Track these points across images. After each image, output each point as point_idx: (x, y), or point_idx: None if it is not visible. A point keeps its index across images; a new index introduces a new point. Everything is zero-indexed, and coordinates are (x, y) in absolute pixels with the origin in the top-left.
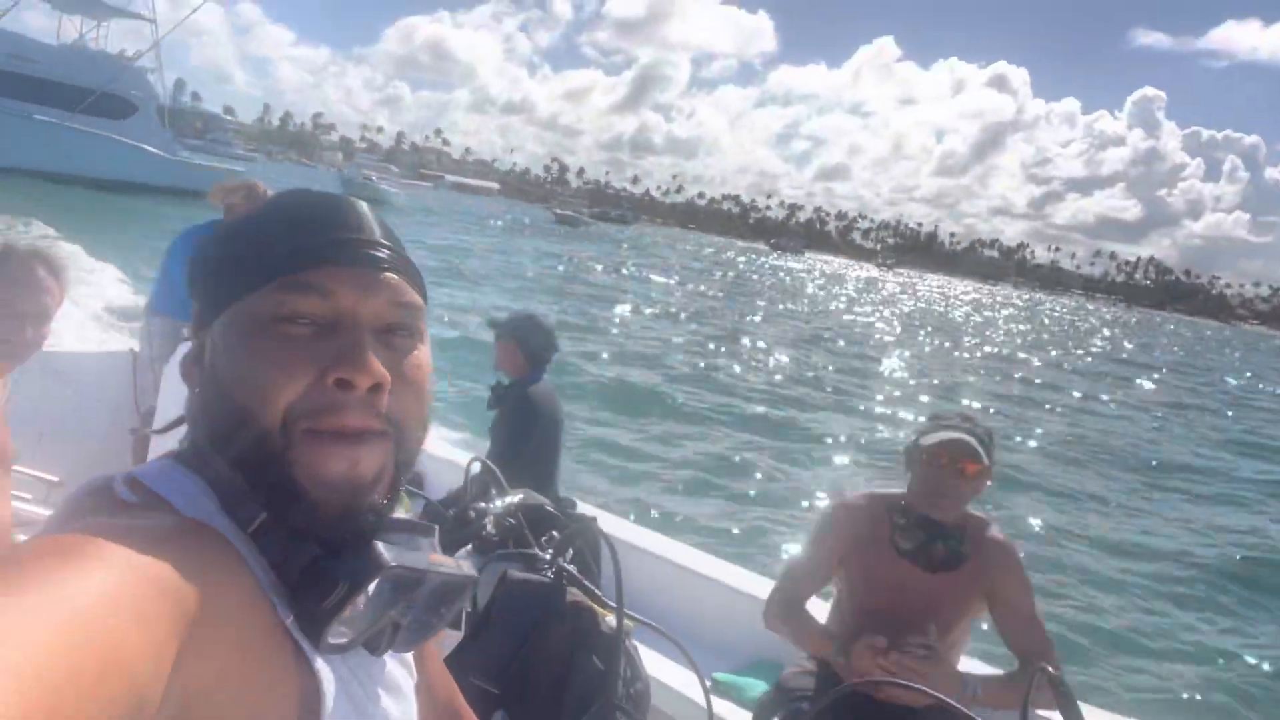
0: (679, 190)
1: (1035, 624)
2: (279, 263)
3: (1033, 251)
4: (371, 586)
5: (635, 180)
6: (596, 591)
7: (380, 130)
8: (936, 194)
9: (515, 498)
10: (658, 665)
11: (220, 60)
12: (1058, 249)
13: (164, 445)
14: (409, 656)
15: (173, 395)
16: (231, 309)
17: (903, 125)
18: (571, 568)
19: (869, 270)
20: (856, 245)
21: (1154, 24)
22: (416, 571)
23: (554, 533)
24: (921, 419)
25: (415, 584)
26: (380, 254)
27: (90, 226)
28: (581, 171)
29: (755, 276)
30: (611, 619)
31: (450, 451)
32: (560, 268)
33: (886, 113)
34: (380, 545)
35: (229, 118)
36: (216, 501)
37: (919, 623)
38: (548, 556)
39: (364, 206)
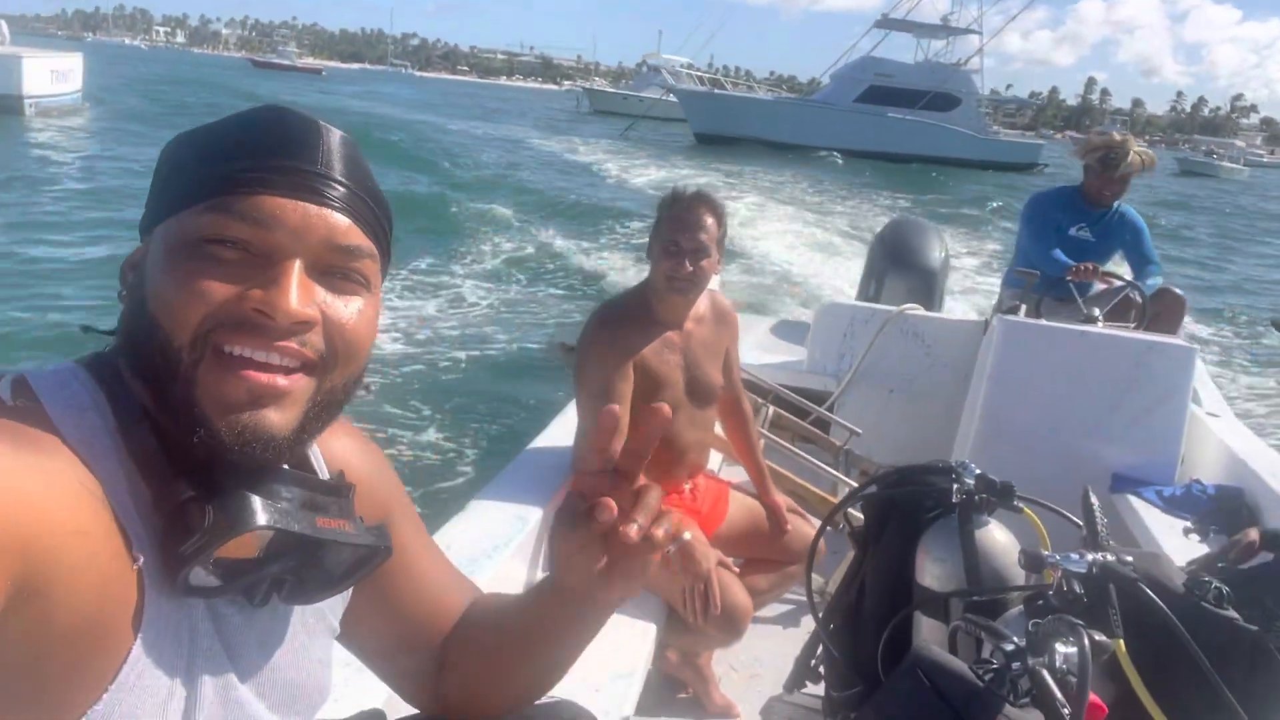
0: None
1: None
2: (216, 182)
3: None
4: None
5: None
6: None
7: None
8: None
9: (1101, 556)
10: None
11: (1150, 53)
12: None
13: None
14: (326, 609)
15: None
16: (167, 221)
17: None
18: (1048, 676)
19: None
20: None
21: None
22: (288, 534)
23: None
24: None
25: (298, 545)
26: (328, 189)
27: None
28: None
29: None
30: None
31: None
32: None
33: None
34: (255, 500)
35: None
36: (112, 418)
37: None
38: (1010, 646)
39: (334, 138)
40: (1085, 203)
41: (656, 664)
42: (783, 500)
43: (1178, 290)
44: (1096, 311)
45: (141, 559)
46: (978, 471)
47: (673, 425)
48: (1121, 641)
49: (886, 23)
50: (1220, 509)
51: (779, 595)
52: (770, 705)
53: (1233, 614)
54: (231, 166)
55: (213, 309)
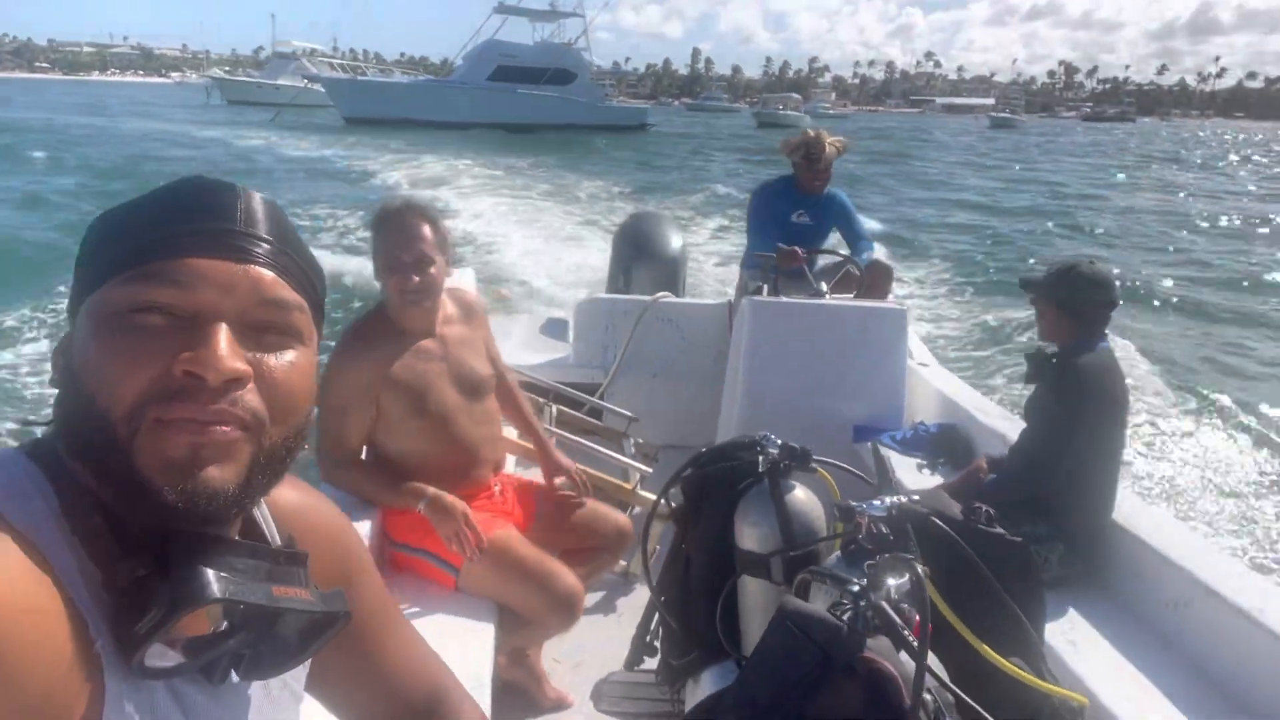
0: (1220, 75)
1: None
2: (137, 251)
3: None
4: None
5: (1162, 71)
6: (911, 644)
7: (871, 64)
8: None
9: (896, 498)
10: None
11: (745, 22)
12: None
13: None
14: (289, 677)
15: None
16: (91, 297)
17: None
18: (889, 608)
19: None
20: None
21: None
22: (246, 605)
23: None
24: None
25: (255, 616)
26: (251, 246)
27: (563, 157)
28: (1094, 71)
29: None
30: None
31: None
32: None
33: None
34: (209, 573)
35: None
36: (56, 501)
37: None
38: (855, 587)
39: (254, 199)
40: (800, 191)
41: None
42: (570, 463)
43: (886, 261)
44: (823, 285)
45: (99, 640)
46: (779, 442)
47: (454, 426)
48: (922, 567)
49: (504, 8)
50: (942, 443)
51: (594, 582)
52: (599, 688)
53: (1000, 531)
54: (151, 235)
55: (146, 383)
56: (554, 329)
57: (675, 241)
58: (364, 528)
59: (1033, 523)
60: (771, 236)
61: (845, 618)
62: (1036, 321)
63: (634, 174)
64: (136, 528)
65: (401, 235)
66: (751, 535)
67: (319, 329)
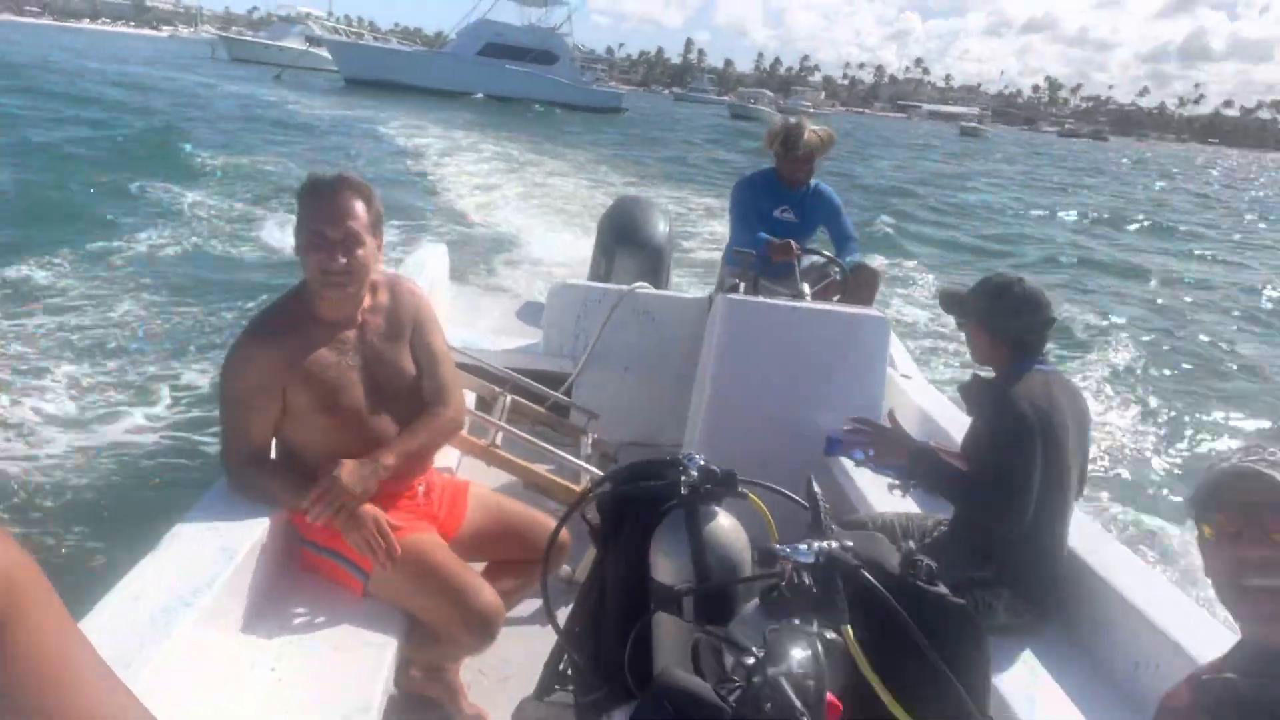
0: (1198, 101)
1: None
2: None
3: None
4: None
5: (1143, 93)
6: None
7: (862, 66)
8: None
9: (826, 544)
10: None
11: (742, 16)
12: None
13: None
14: None
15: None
16: None
17: None
18: (787, 687)
19: None
20: None
21: None
22: None
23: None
24: None
25: None
26: None
27: (542, 133)
28: (1078, 88)
29: None
30: None
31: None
32: None
33: None
34: None
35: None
36: None
37: None
38: (750, 659)
39: None
40: (783, 185)
41: (399, 684)
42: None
43: (872, 264)
44: (805, 287)
45: None
46: (702, 462)
47: (369, 425)
48: (849, 628)
49: None
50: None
51: (527, 594)
52: (522, 708)
53: (942, 589)
54: None
55: None
56: (531, 313)
57: (660, 229)
58: (265, 521)
59: (977, 566)
60: (754, 231)
61: (733, 698)
62: (968, 343)
63: (603, 149)
64: None
65: (331, 209)
66: (664, 566)
67: None
